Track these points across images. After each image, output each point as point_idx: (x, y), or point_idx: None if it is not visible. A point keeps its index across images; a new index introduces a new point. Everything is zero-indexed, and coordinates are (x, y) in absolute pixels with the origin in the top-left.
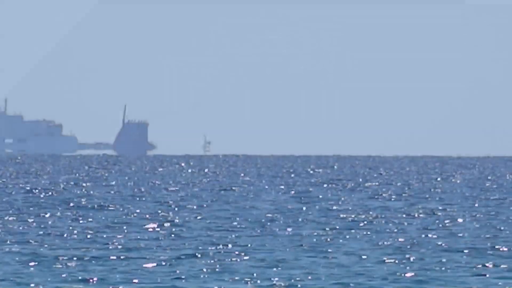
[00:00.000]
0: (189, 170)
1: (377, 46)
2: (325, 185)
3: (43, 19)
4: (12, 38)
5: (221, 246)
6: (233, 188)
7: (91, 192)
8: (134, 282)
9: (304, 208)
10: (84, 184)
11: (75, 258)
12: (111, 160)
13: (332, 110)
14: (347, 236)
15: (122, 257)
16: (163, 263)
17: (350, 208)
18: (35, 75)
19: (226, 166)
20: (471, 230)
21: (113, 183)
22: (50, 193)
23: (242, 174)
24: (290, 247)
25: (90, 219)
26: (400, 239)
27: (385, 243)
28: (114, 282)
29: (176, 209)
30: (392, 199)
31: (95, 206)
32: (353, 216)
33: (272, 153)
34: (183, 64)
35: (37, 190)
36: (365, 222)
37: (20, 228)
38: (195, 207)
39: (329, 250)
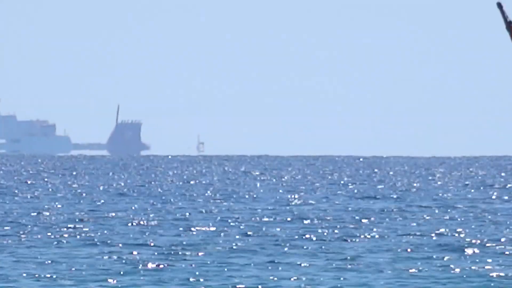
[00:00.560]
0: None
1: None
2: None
3: (41, 19)
4: (4, 36)
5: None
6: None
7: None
8: None
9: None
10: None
11: None
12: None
13: (327, 110)
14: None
15: None
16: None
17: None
18: (29, 75)
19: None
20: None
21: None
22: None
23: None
24: None
25: None
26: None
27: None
28: None
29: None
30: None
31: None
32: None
33: (265, 153)
34: (177, 64)
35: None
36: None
37: None
38: None
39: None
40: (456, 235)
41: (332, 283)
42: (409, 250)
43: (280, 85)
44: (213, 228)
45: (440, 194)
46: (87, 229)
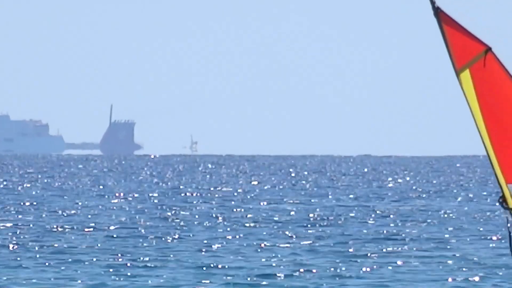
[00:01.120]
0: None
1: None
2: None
3: (35, 19)
4: None
5: None
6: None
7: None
8: None
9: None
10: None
11: None
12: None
13: (323, 110)
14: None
15: None
16: None
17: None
18: (22, 75)
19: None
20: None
21: None
22: None
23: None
24: None
25: None
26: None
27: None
28: None
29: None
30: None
31: None
32: None
33: (259, 153)
34: (170, 64)
35: None
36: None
37: None
38: None
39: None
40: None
41: None
42: None
43: (275, 85)
44: None
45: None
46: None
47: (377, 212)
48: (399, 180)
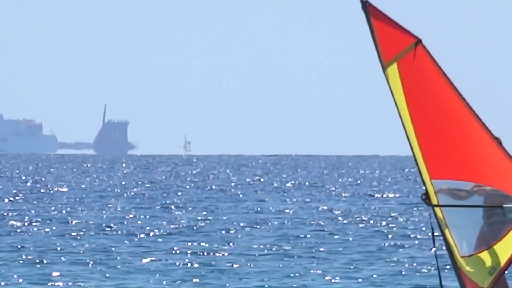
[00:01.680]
0: None
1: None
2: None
3: (27, 18)
4: None
5: None
6: None
7: None
8: None
9: None
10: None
11: None
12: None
13: (317, 110)
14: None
15: None
16: None
17: None
18: (15, 74)
19: None
20: None
21: None
22: None
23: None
24: None
25: None
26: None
27: None
28: None
29: None
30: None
31: None
32: None
33: (252, 153)
34: (164, 63)
35: None
36: None
37: None
38: None
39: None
40: None
41: None
42: None
43: (269, 85)
44: None
45: None
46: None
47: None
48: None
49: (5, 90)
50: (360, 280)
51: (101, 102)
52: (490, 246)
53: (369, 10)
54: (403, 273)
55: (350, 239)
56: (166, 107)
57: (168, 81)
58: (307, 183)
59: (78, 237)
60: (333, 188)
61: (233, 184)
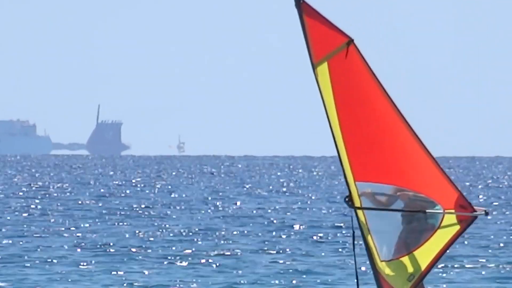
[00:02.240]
0: None
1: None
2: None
3: (21, 19)
4: None
5: None
6: None
7: None
8: None
9: None
10: None
11: None
12: None
13: (314, 110)
14: None
15: None
16: None
17: None
18: (9, 75)
19: None
20: None
21: None
22: None
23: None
24: None
25: None
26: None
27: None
28: None
29: None
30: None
31: None
32: None
33: (246, 153)
34: (157, 64)
35: None
36: None
37: None
38: None
39: None
40: None
41: None
42: None
43: (263, 85)
44: None
45: None
46: None
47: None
48: None
49: None
50: None
51: (94, 102)
52: (410, 252)
53: (302, 7)
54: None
55: None
56: (159, 107)
57: (162, 81)
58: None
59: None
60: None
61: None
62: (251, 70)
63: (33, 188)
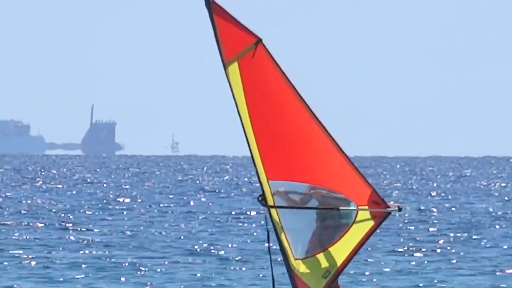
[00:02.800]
0: None
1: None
2: None
3: (15, 19)
4: None
5: None
6: None
7: None
8: None
9: None
10: None
11: None
12: None
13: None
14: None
15: None
16: None
17: None
18: (3, 75)
19: None
20: None
21: None
22: None
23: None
24: None
25: None
26: None
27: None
28: None
29: None
30: None
31: None
32: None
33: (241, 153)
34: (151, 64)
35: None
36: None
37: None
38: None
39: None
40: None
41: None
42: None
43: None
44: None
45: None
46: None
47: None
48: None
49: None
50: None
51: (88, 102)
52: (325, 249)
53: (212, 7)
54: None
55: None
56: (154, 107)
57: (156, 81)
58: None
59: None
60: None
61: None
62: None
63: None
